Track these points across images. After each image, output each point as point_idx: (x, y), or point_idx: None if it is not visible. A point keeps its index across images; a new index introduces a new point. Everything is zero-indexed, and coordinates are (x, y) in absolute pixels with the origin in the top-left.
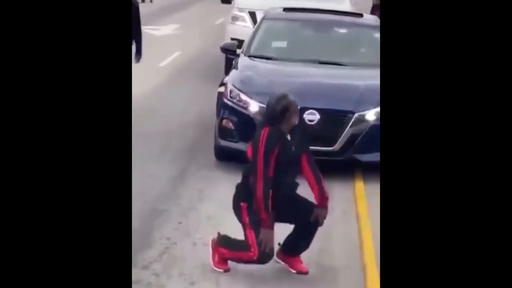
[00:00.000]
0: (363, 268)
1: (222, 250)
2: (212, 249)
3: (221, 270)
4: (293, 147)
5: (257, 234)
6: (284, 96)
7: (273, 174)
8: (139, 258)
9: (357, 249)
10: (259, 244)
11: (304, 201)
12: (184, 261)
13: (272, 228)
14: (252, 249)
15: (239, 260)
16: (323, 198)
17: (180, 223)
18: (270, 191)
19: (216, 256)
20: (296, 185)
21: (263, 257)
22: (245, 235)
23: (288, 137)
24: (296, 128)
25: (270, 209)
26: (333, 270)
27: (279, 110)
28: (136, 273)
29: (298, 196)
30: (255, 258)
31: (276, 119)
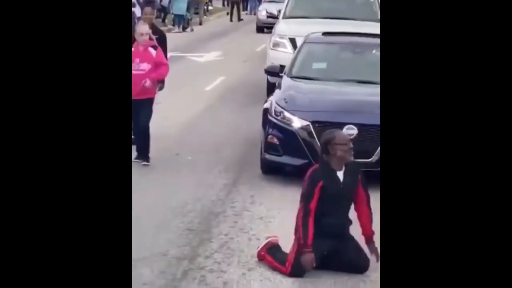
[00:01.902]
0: None
1: (267, 256)
2: (262, 247)
3: (256, 259)
4: (341, 184)
5: (297, 254)
6: (332, 130)
7: (317, 209)
8: (201, 250)
9: None
10: (296, 265)
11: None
12: (242, 252)
13: (310, 253)
14: (287, 265)
15: (275, 268)
16: (370, 236)
17: (235, 222)
18: (310, 221)
19: (263, 253)
20: (347, 223)
21: (294, 275)
22: (291, 248)
23: (339, 173)
24: (350, 164)
25: (308, 239)
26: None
27: (322, 142)
28: (199, 262)
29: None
30: (287, 273)
31: (322, 152)
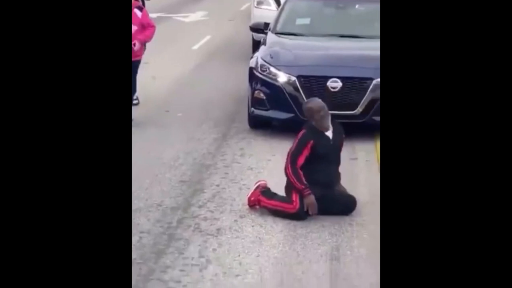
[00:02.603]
0: None
1: (262, 198)
2: (253, 192)
3: (247, 206)
4: (331, 141)
5: (301, 198)
6: (308, 101)
7: (306, 162)
8: (194, 200)
9: (378, 188)
10: (302, 204)
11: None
12: (233, 201)
13: (311, 195)
14: (294, 204)
15: (276, 210)
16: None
17: (226, 173)
18: (299, 171)
19: (253, 198)
20: (338, 177)
21: (301, 214)
22: (290, 195)
23: (328, 133)
24: (337, 124)
25: (303, 181)
26: (359, 204)
27: (304, 112)
28: (193, 211)
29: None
30: (293, 211)
31: (308, 118)
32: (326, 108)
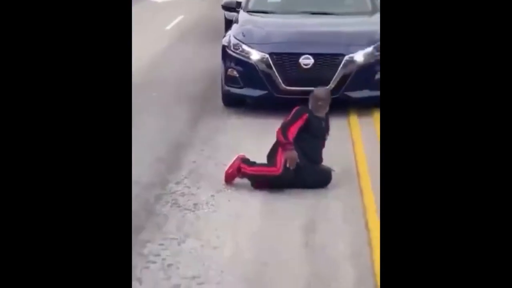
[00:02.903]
0: (357, 175)
1: (243, 165)
2: (231, 164)
3: (224, 182)
4: (322, 125)
5: (284, 164)
6: (315, 89)
7: (298, 136)
8: (171, 177)
9: (352, 163)
10: (284, 163)
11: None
12: (210, 177)
13: (293, 150)
14: (278, 166)
15: (258, 175)
16: None
17: (202, 150)
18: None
19: (231, 170)
20: (320, 159)
21: (285, 174)
22: (274, 159)
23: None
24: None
25: (289, 138)
26: (333, 178)
27: (309, 97)
28: (170, 187)
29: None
30: (277, 173)
31: (308, 102)
32: (328, 99)
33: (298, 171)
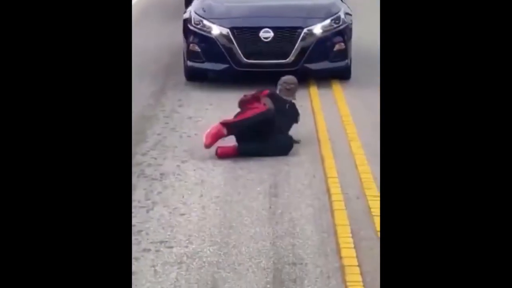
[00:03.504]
0: (318, 142)
1: (228, 120)
2: (211, 128)
3: (207, 143)
4: (286, 107)
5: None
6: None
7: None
8: (137, 149)
9: (313, 131)
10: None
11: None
12: (175, 148)
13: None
14: (263, 104)
15: (249, 117)
16: None
17: (166, 123)
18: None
19: (215, 131)
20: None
21: (271, 109)
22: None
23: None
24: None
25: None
26: (296, 145)
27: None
28: (137, 159)
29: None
30: (267, 109)
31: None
32: (297, 84)
33: (260, 137)
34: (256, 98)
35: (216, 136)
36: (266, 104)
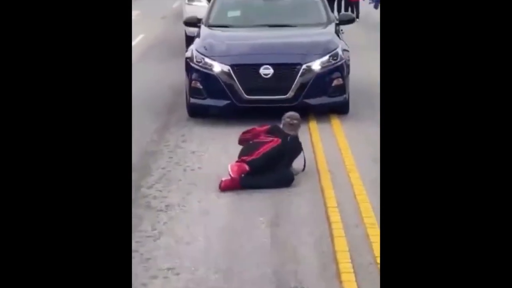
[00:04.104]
0: (318, 173)
1: (245, 157)
2: (234, 164)
3: (229, 178)
4: (288, 139)
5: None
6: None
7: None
8: (143, 182)
9: (313, 163)
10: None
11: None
12: (179, 181)
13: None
14: (275, 139)
15: (267, 152)
16: None
17: (171, 157)
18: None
19: (236, 168)
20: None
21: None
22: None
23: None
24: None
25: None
26: (296, 176)
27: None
28: (143, 191)
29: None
30: (279, 142)
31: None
32: (300, 120)
33: (263, 170)
34: (256, 135)
35: (239, 171)
36: (277, 137)
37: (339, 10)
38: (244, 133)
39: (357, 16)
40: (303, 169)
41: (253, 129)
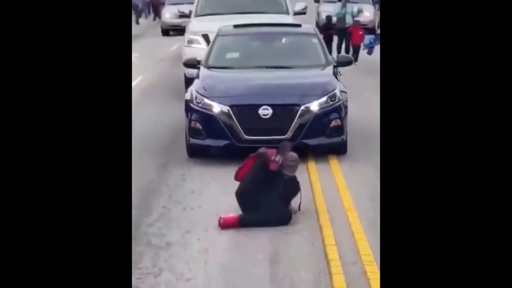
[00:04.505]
0: (316, 212)
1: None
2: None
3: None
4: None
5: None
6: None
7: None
8: (143, 221)
9: (311, 202)
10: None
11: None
12: (179, 220)
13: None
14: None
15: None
16: None
17: (170, 196)
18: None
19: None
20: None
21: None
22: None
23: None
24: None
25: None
26: (295, 215)
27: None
28: (143, 230)
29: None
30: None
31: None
32: (298, 161)
33: (260, 205)
34: (248, 166)
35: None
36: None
37: (339, 52)
38: (239, 168)
39: (356, 60)
40: (299, 209)
41: (246, 162)
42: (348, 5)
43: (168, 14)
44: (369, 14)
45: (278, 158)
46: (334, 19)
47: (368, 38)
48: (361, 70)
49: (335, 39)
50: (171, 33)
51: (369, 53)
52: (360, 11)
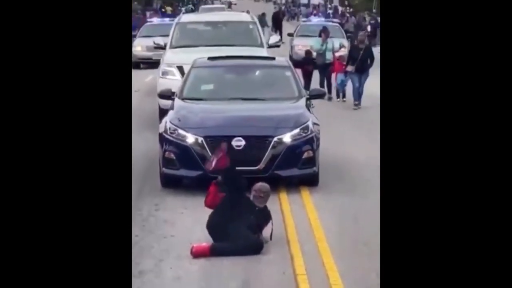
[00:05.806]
0: (287, 242)
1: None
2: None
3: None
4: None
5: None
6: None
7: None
8: None
9: (283, 232)
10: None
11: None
12: (152, 248)
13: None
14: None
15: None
16: None
17: (143, 225)
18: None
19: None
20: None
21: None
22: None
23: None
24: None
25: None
26: (266, 245)
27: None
28: None
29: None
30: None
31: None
32: (269, 193)
33: (231, 234)
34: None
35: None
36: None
37: (321, 86)
38: (206, 196)
39: (329, 92)
40: (271, 238)
41: (210, 189)
42: (329, 40)
43: (139, 46)
44: (346, 48)
45: (212, 157)
46: (314, 54)
47: (339, 77)
48: (335, 103)
49: (315, 73)
50: (141, 65)
51: (342, 92)
52: (342, 46)
